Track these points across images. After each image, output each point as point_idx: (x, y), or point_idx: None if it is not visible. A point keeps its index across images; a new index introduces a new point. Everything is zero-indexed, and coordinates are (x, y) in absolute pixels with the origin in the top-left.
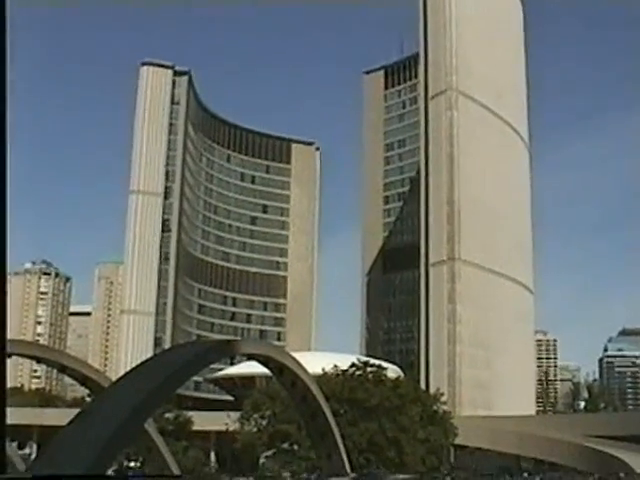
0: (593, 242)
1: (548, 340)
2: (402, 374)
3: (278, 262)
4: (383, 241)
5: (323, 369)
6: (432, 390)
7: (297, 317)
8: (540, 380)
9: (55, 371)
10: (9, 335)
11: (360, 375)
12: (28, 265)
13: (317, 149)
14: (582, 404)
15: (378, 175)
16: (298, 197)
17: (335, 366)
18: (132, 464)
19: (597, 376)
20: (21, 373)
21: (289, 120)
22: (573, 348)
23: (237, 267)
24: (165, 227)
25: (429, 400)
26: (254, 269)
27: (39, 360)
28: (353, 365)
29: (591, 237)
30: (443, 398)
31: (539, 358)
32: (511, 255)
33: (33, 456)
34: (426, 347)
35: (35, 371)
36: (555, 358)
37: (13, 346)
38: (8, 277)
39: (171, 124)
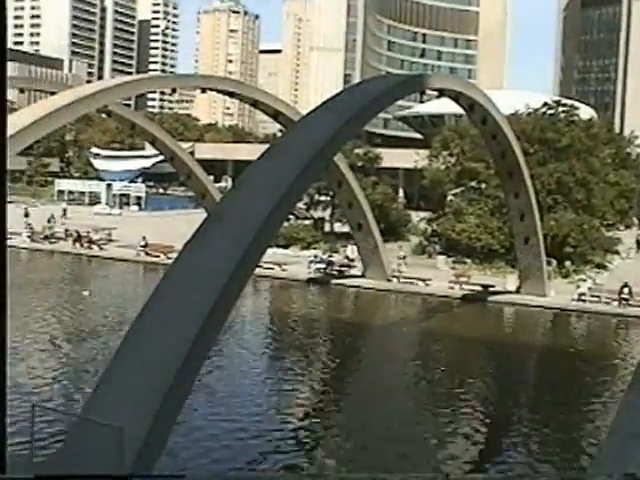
0: None
1: None
2: (595, 115)
3: None
4: None
5: (514, 108)
6: (626, 132)
7: (489, 54)
8: None
9: (247, 108)
10: (201, 72)
11: (552, 115)
12: (217, 3)
13: None
14: None
15: None
16: None
17: (526, 105)
18: (322, 198)
19: None
20: (214, 110)
21: None
22: None
23: (427, 2)
24: None
25: (623, 142)
26: (445, 4)
27: (232, 95)
28: (545, 104)
29: None
30: (637, 141)
31: None
32: None
33: (228, 188)
34: (623, 88)
35: (228, 108)
36: None
37: (207, 81)
38: (198, 16)
39: None
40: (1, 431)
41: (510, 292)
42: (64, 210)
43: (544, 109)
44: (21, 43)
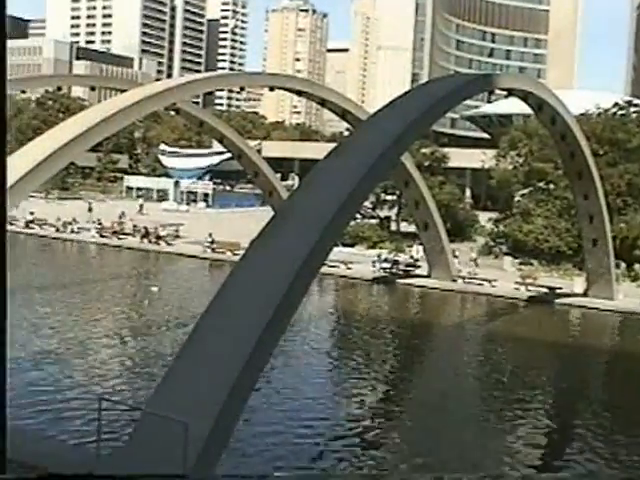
0: None
1: None
2: None
3: None
4: None
5: (584, 108)
6: None
7: (559, 54)
8: None
9: (314, 107)
10: (269, 70)
11: (623, 115)
12: (285, 2)
13: None
14: None
15: None
16: None
17: (597, 105)
18: (389, 197)
19: None
20: (282, 109)
21: None
22: None
23: (497, 1)
24: None
25: None
26: (515, 3)
27: (300, 93)
28: (616, 104)
29: None
30: None
31: None
32: None
33: (295, 186)
34: None
35: (295, 107)
36: None
37: (276, 80)
38: (266, 14)
39: None
40: (1, 430)
41: (577, 295)
42: (140, 206)
43: (615, 109)
44: (93, 42)
